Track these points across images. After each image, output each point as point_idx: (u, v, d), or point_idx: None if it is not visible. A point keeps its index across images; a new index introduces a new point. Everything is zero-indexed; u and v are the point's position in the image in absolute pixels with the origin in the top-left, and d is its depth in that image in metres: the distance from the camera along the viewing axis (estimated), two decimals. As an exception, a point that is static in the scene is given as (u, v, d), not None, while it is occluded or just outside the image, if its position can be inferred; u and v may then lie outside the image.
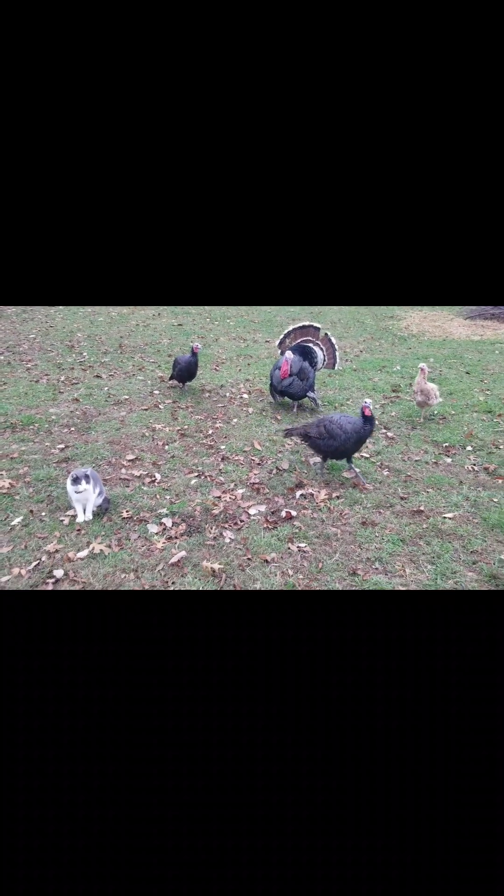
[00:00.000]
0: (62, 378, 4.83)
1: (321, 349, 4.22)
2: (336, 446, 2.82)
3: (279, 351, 4.32)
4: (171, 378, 4.52)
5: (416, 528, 2.45)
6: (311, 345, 4.18)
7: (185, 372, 4.27)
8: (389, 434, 3.69)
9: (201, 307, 9.94)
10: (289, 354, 3.89)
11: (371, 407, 2.76)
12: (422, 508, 2.63)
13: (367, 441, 2.94)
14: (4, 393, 4.30)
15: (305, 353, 4.11)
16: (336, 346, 4.30)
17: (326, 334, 4.31)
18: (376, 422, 3.35)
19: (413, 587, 2.02)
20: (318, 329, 4.26)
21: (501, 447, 3.45)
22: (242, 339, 7.13)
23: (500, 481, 2.94)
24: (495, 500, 2.71)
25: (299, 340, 4.24)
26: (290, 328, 4.31)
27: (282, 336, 4.34)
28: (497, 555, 2.23)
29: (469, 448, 3.44)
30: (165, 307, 9.84)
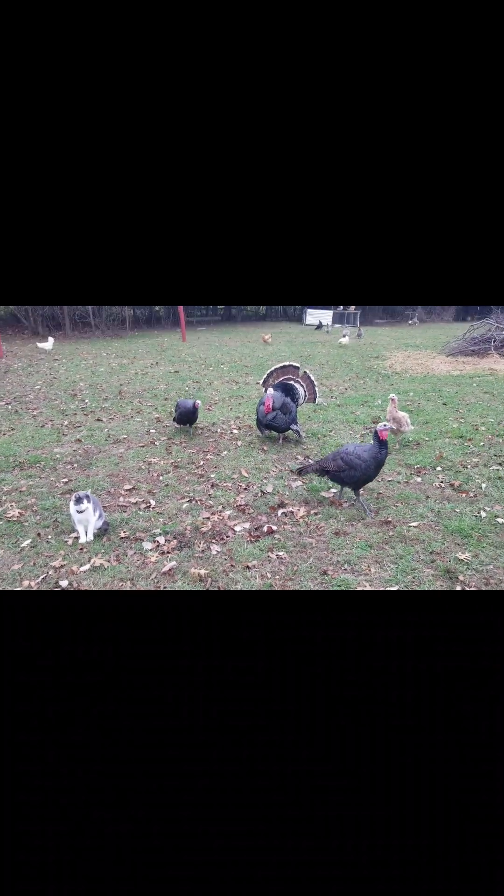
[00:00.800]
0: (65, 422, 5.23)
1: (302, 386, 4.62)
2: (358, 476, 2.95)
3: (263, 389, 4.72)
4: (173, 419, 4.88)
5: (384, 536, 2.72)
6: (292, 382, 4.59)
7: (184, 416, 4.63)
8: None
9: (197, 356, 10.56)
10: (271, 391, 4.29)
11: (388, 430, 2.90)
12: (390, 519, 2.91)
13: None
14: (13, 437, 4.68)
15: (288, 390, 4.51)
16: (315, 383, 4.71)
17: (305, 372, 4.72)
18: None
19: (377, 584, 2.28)
20: (297, 368, 4.68)
21: (469, 467, 3.76)
22: (235, 382, 7.60)
23: (464, 495, 3.23)
24: (457, 510, 2.99)
25: (281, 379, 4.64)
26: (273, 368, 4.73)
27: (265, 375, 4.76)
28: (453, 554, 2.50)
29: (439, 468, 3.75)
30: (163, 356, 10.45)
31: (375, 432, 2.91)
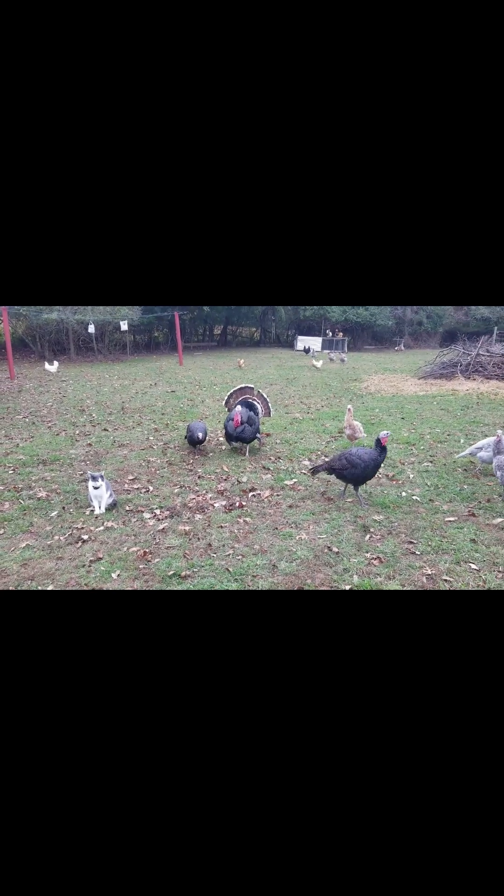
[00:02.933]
0: (77, 432, 6.14)
1: (259, 403, 5.51)
2: (358, 473, 3.49)
3: (226, 408, 5.62)
4: (185, 438, 5.27)
5: (325, 507, 3.61)
6: (251, 400, 5.46)
7: (192, 438, 4.96)
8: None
9: (192, 378, 11.55)
10: (238, 408, 4.94)
11: (388, 436, 3.43)
12: (332, 497, 3.79)
13: (309, 460, 4.11)
14: (34, 442, 5.58)
15: (249, 407, 5.38)
16: (268, 399, 5.60)
17: (259, 392, 5.60)
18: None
19: (312, 534, 3.15)
20: (252, 388, 5.58)
21: (405, 464, 4.67)
22: (223, 400, 8.55)
23: (394, 482, 4.12)
24: (385, 492, 3.88)
25: (241, 398, 5.48)
26: (232, 390, 5.62)
27: (227, 396, 5.64)
28: (371, 517, 3.38)
29: (382, 466, 4.65)
30: (161, 378, 11.44)
31: (377, 439, 3.47)
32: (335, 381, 11.15)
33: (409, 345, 24.98)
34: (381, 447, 3.46)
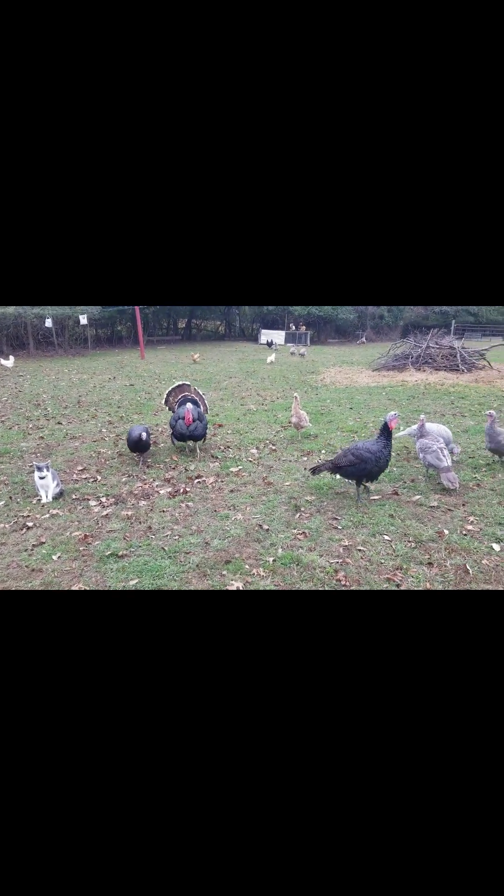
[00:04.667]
0: (30, 425, 6.16)
1: (197, 399, 5.33)
2: (370, 468, 3.26)
3: (166, 408, 5.48)
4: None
5: (263, 490, 3.84)
6: (191, 396, 5.30)
7: (133, 441, 4.48)
8: (273, 447, 5.15)
9: (153, 371, 11.60)
10: (189, 405, 4.72)
11: (397, 418, 3.18)
12: (272, 481, 4.03)
13: (257, 448, 4.31)
14: (-15, 436, 5.59)
15: (195, 403, 5.13)
16: (203, 396, 5.41)
17: (195, 389, 5.43)
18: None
19: (248, 515, 3.37)
20: (188, 385, 5.41)
21: (346, 449, 4.95)
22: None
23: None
24: (322, 476, 4.14)
25: (181, 396, 5.22)
26: (169, 388, 5.42)
27: (165, 395, 5.43)
28: (304, 498, 3.63)
29: (323, 451, 4.93)
30: (121, 372, 11.44)
31: (384, 423, 3.26)
32: (293, 374, 11.42)
33: (372, 338, 25.58)
34: (387, 433, 3.26)
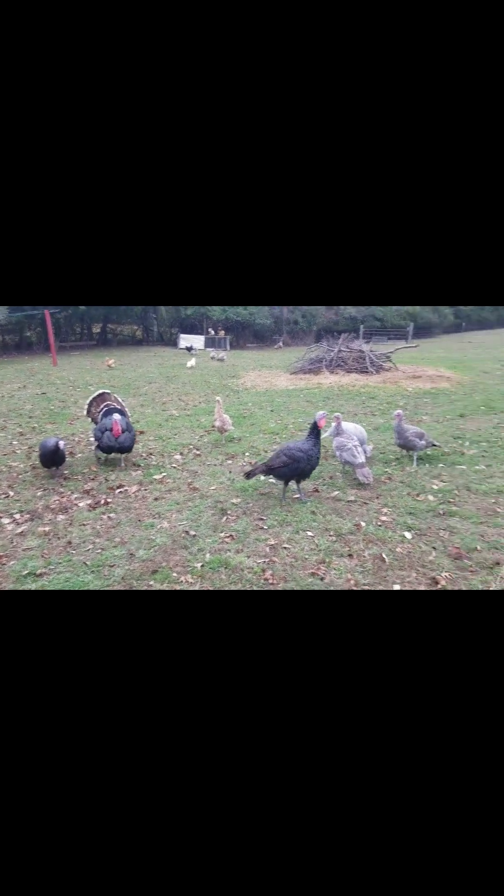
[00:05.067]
0: None
1: (119, 406, 5.10)
2: (304, 466, 3.39)
3: (88, 418, 5.14)
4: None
5: (189, 496, 3.82)
6: (114, 406, 4.99)
7: (46, 454, 4.22)
8: (197, 451, 5.13)
9: (66, 378, 11.04)
10: (117, 416, 4.47)
11: (324, 417, 3.29)
12: (197, 487, 4.02)
13: (181, 454, 4.25)
14: None
15: (120, 412, 4.87)
16: (123, 403, 5.21)
17: (115, 397, 5.23)
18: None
19: (174, 522, 3.34)
20: (109, 393, 5.20)
21: (268, 452, 5.07)
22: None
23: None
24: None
25: (102, 406, 4.93)
26: (90, 398, 5.11)
27: (87, 405, 5.11)
28: (230, 500, 3.67)
29: (247, 454, 5.01)
30: (32, 380, 10.76)
31: (314, 422, 3.40)
32: (214, 378, 11.47)
33: (288, 342, 26.42)
34: (316, 431, 3.41)
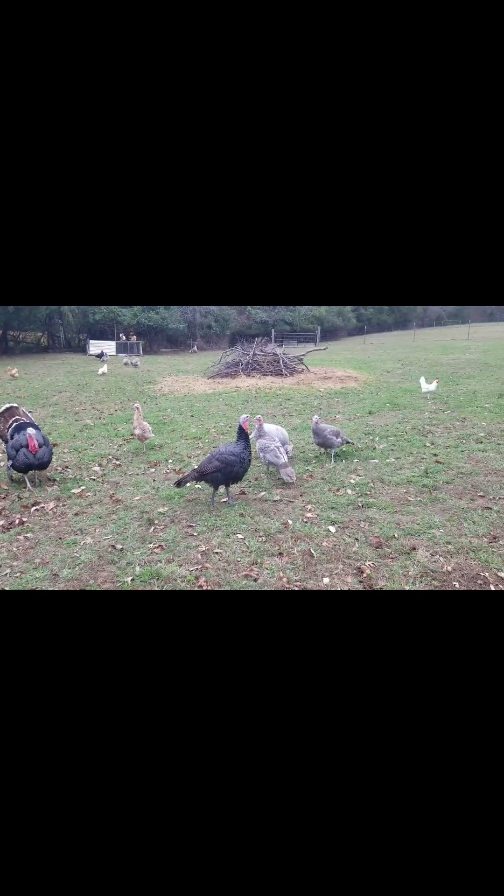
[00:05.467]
0: None
1: (29, 420, 4.64)
2: (236, 470, 3.43)
3: None
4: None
5: (113, 509, 3.68)
6: (23, 420, 4.58)
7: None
8: (117, 462, 4.95)
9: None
10: (31, 430, 4.12)
11: (248, 420, 3.39)
12: (120, 498, 3.88)
13: (100, 465, 4.04)
14: None
15: (24, 426, 4.34)
16: (31, 415, 4.84)
17: (24, 411, 4.84)
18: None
19: (98, 536, 3.19)
20: (17, 407, 4.76)
21: (191, 457, 5.04)
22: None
23: (181, 475, 4.43)
24: (172, 486, 4.15)
25: (11, 421, 4.54)
26: None
27: None
28: (157, 510, 3.60)
29: (170, 461, 4.93)
30: None
31: (239, 426, 3.48)
32: (129, 385, 11.15)
33: (203, 347, 26.42)
34: (244, 434, 3.48)
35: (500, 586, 2.47)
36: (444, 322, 46.36)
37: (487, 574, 2.57)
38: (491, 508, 3.40)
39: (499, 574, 2.57)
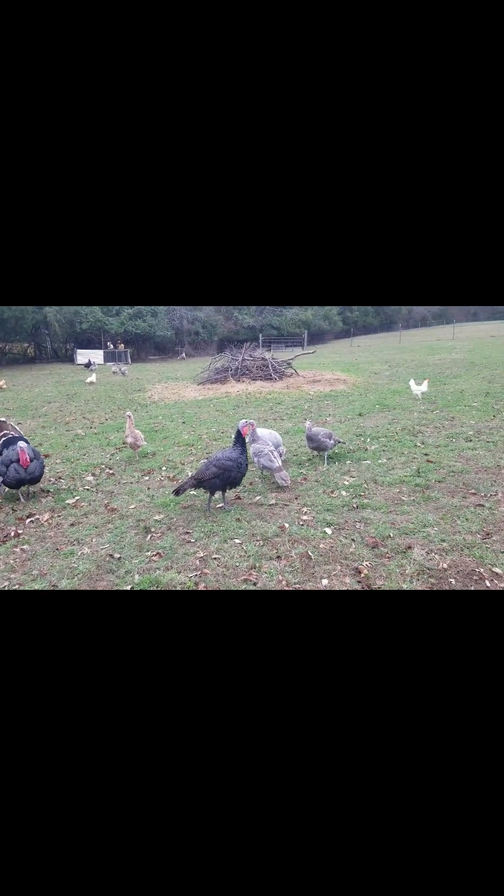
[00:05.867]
0: None
1: (16, 432, 4.59)
2: (235, 475, 3.47)
3: None
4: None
5: (109, 518, 3.67)
6: (11, 434, 4.49)
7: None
8: (110, 471, 4.94)
9: (-50, 403, 9.98)
10: (22, 444, 4.09)
11: (247, 426, 3.45)
12: (115, 507, 3.88)
13: (93, 475, 4.03)
14: None
15: (13, 440, 4.32)
16: (17, 426, 4.75)
17: (11, 424, 4.78)
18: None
19: (95, 546, 3.19)
20: (4, 421, 4.65)
21: (185, 464, 5.05)
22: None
23: (175, 482, 4.43)
24: (166, 492, 4.15)
25: (0, 436, 4.41)
26: None
27: None
28: (153, 518, 3.60)
29: (164, 469, 4.94)
30: None
31: (238, 431, 3.53)
32: (119, 394, 11.13)
33: (191, 353, 26.44)
34: (241, 439, 3.48)
35: (496, 582, 2.52)
36: (428, 323, 46.98)
37: (482, 570, 2.62)
38: (483, 505, 3.46)
39: (493, 570, 2.62)
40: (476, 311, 49.02)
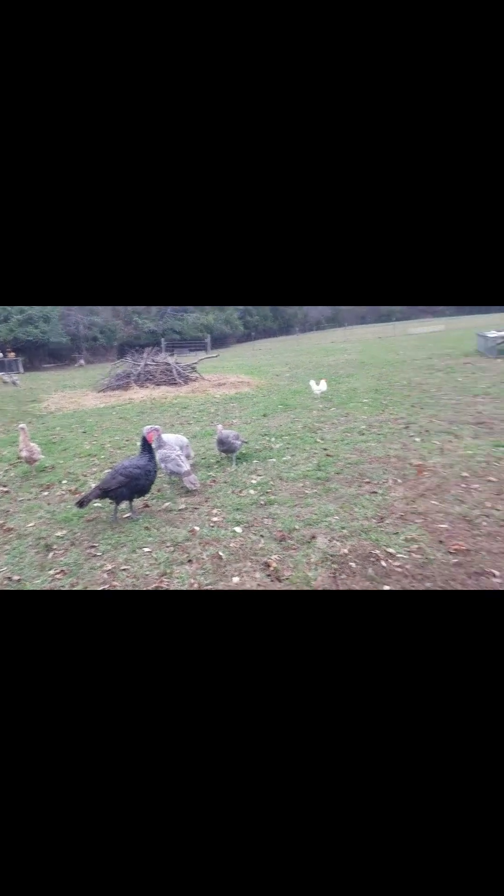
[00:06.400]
0: None
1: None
2: (143, 483, 3.38)
3: None
4: None
5: (4, 539, 3.39)
6: None
7: None
8: (4, 488, 4.56)
9: None
10: None
11: (153, 431, 3.34)
12: (11, 527, 3.60)
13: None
14: None
15: None
16: None
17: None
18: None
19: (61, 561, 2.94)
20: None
21: (88, 476, 4.82)
22: None
23: (77, 495, 4.22)
24: (68, 506, 3.94)
25: None
26: None
27: None
28: (55, 534, 3.40)
29: (65, 482, 4.67)
30: None
31: (143, 438, 3.47)
32: (10, 405, 10.29)
33: (90, 360, 25.24)
34: (148, 446, 3.46)
35: (391, 562, 2.76)
36: (322, 326, 49.77)
37: (378, 552, 2.85)
38: (376, 492, 3.77)
39: (388, 550, 2.86)
40: (364, 313, 52.99)
